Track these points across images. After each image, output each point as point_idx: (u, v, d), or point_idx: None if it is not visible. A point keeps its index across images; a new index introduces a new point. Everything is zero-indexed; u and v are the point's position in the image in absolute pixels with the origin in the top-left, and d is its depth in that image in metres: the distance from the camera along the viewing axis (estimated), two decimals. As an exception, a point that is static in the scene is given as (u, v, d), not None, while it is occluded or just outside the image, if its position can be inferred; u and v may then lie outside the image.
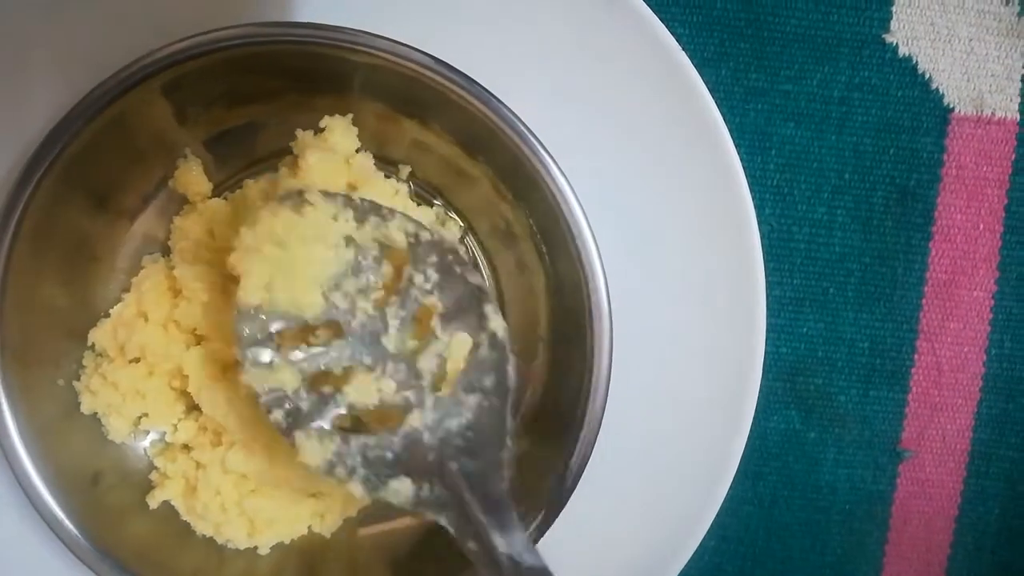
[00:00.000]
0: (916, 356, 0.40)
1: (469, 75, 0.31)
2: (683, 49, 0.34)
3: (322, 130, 0.34)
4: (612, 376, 0.32)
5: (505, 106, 0.31)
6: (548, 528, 0.32)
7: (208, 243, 0.34)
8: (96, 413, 0.34)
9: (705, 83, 0.34)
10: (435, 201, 0.36)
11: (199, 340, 0.34)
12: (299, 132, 0.34)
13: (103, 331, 0.34)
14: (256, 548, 0.35)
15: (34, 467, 0.31)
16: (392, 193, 0.35)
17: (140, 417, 0.35)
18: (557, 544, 0.32)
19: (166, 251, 0.35)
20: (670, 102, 0.34)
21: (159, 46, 0.30)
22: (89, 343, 0.34)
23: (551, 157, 0.31)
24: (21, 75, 0.33)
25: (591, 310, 0.32)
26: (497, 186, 0.34)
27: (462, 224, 0.37)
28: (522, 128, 0.31)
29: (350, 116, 0.34)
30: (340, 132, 0.34)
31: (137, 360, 0.34)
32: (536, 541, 0.32)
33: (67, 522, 0.31)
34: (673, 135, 0.34)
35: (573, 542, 0.33)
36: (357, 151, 0.34)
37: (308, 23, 0.31)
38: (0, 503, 0.34)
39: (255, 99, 0.34)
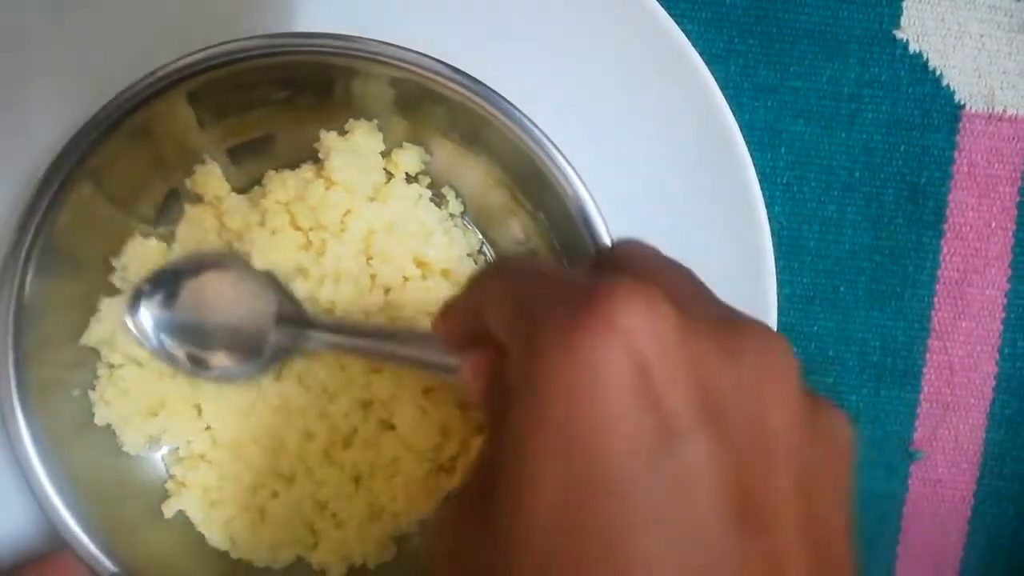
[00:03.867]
0: (928, 355, 0.41)
1: (479, 78, 0.31)
2: (692, 45, 0.34)
3: (346, 132, 0.34)
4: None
5: (520, 111, 0.31)
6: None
7: (220, 231, 0.35)
8: (110, 425, 0.35)
9: (714, 80, 0.34)
10: (452, 212, 0.37)
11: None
12: (323, 133, 0.34)
13: (98, 330, 0.34)
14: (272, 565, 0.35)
15: (49, 478, 0.32)
16: (415, 198, 0.35)
17: (158, 432, 0.35)
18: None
19: None
20: (680, 98, 0.35)
21: (171, 58, 0.31)
22: (81, 343, 0.34)
23: (569, 164, 0.32)
24: (25, 87, 0.34)
25: None
26: (515, 195, 0.35)
27: (481, 237, 0.37)
28: (538, 133, 0.32)
29: (375, 121, 0.35)
30: (364, 134, 0.34)
31: (141, 365, 0.34)
32: None
33: (82, 535, 0.32)
34: (682, 132, 0.35)
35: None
36: (382, 154, 0.35)
37: (337, 34, 0.31)
38: (15, 515, 0.34)
39: (273, 109, 0.34)
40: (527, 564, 0.17)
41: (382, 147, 0.35)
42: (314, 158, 0.35)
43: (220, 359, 0.34)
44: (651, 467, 0.17)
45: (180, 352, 0.34)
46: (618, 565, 0.17)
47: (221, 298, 0.34)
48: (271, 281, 0.34)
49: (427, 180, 0.36)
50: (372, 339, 0.33)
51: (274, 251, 0.34)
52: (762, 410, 0.18)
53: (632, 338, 0.17)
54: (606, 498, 0.17)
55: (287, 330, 0.34)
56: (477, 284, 0.23)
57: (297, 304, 0.34)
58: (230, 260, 0.34)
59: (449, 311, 0.24)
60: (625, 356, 0.17)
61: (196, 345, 0.34)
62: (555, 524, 0.17)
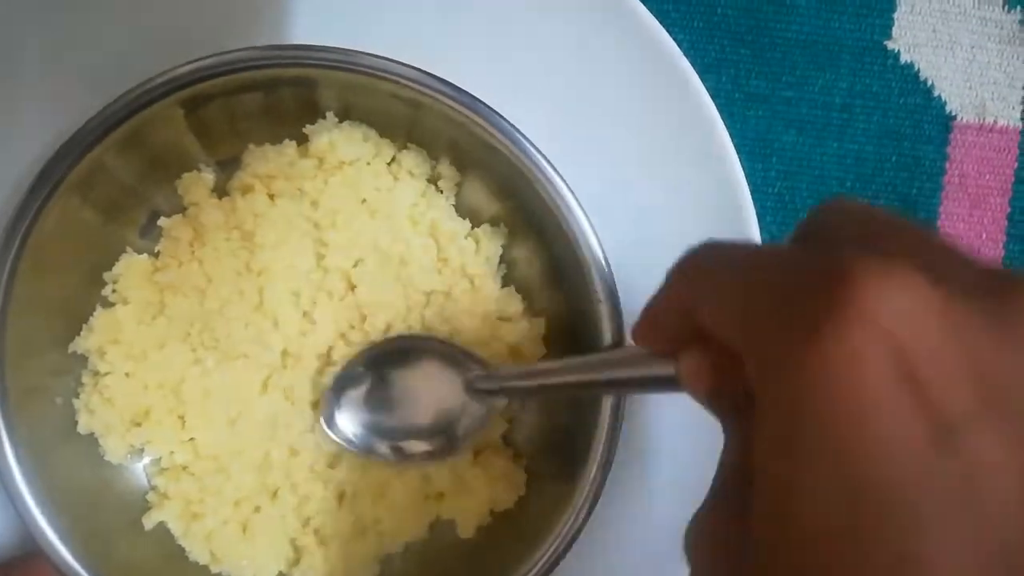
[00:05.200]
0: (920, 367, 0.41)
1: (471, 92, 0.31)
2: (683, 55, 0.35)
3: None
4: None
5: (514, 126, 0.32)
6: (567, 554, 0.33)
7: (199, 241, 0.35)
8: (93, 433, 0.34)
9: (705, 89, 0.35)
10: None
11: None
12: (328, 115, 0.34)
13: (89, 339, 0.34)
14: None
15: (27, 485, 0.31)
16: (410, 204, 0.36)
17: (141, 442, 0.35)
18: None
19: None
20: (671, 108, 0.35)
21: (163, 69, 0.31)
22: (70, 351, 0.34)
23: (563, 180, 0.32)
24: (15, 96, 0.34)
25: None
26: (510, 211, 0.35)
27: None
28: (532, 151, 0.32)
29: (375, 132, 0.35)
30: (360, 138, 0.35)
31: (128, 375, 0.34)
32: (556, 564, 0.32)
33: (59, 543, 0.31)
34: (674, 141, 0.35)
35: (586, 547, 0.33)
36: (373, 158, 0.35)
37: (337, 48, 0.31)
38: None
39: (266, 121, 0.35)
40: (795, 573, 0.17)
41: (377, 152, 0.35)
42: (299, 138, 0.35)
43: (417, 444, 0.34)
44: (929, 470, 0.16)
45: (383, 444, 0.34)
46: (910, 572, 0.16)
47: (410, 386, 0.34)
48: (454, 354, 0.34)
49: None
50: (571, 373, 0.30)
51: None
52: None
53: (888, 326, 0.16)
54: (884, 505, 0.16)
55: (480, 396, 0.33)
56: (680, 281, 0.21)
57: (486, 367, 0.34)
58: (410, 344, 0.34)
59: (651, 316, 0.23)
60: (883, 348, 0.16)
61: (394, 433, 0.34)
62: (827, 532, 0.16)
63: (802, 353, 0.16)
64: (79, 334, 0.34)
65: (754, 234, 0.35)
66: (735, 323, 0.19)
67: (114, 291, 0.35)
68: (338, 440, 0.34)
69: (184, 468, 0.35)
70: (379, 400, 0.34)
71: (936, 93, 0.40)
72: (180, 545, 0.35)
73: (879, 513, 0.16)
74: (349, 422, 0.34)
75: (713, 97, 0.35)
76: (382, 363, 0.34)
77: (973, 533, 0.16)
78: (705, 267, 0.21)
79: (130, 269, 0.35)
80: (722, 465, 0.21)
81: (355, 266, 0.35)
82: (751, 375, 0.18)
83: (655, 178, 0.36)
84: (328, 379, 0.35)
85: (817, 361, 0.16)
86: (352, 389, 0.34)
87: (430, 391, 0.34)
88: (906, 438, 0.16)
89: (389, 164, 0.35)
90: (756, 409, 0.18)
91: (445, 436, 0.34)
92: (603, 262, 0.32)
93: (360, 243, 0.34)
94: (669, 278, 0.22)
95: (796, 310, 0.17)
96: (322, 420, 0.34)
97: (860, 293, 0.16)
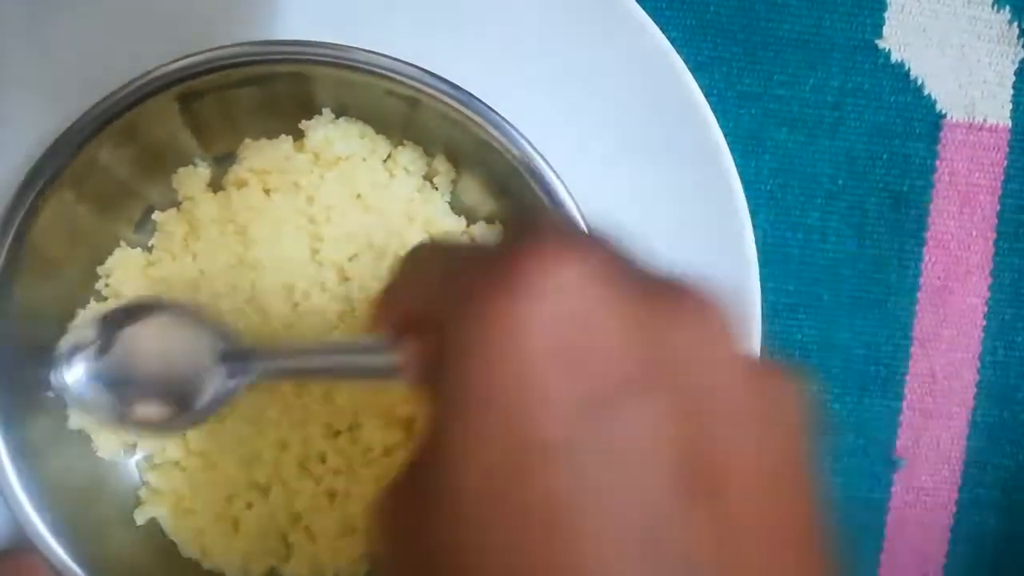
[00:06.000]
0: (910, 363, 0.42)
1: (470, 91, 0.32)
2: (677, 53, 0.35)
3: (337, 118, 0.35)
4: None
5: (511, 125, 0.32)
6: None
7: (193, 235, 0.35)
8: (84, 429, 0.35)
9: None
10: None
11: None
12: (325, 111, 0.35)
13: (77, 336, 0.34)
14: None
15: (19, 480, 0.31)
16: (405, 200, 0.36)
17: (132, 438, 0.35)
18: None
19: None
20: (665, 106, 0.35)
21: (153, 66, 0.31)
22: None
23: (559, 179, 0.32)
24: (3, 93, 0.34)
25: None
26: (507, 211, 0.36)
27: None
28: (529, 148, 0.32)
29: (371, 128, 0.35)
30: (357, 134, 0.35)
31: None
32: None
33: (51, 539, 0.32)
34: (667, 139, 0.36)
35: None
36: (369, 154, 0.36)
37: (330, 43, 0.31)
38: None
39: (259, 117, 0.35)
40: (462, 549, 0.17)
41: (387, 151, 0.35)
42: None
43: (154, 411, 0.32)
44: (581, 437, 0.17)
45: (112, 408, 0.32)
46: (557, 543, 0.16)
47: (151, 348, 0.32)
48: (203, 322, 0.32)
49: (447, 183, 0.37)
50: (303, 357, 0.30)
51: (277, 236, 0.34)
52: (705, 373, 0.18)
53: (555, 300, 0.17)
54: (538, 475, 0.16)
55: (232, 370, 0.31)
56: (406, 263, 0.22)
57: (234, 339, 0.32)
58: (158, 306, 0.32)
59: (383, 296, 0.23)
60: (548, 319, 0.17)
61: (129, 399, 0.31)
62: (484, 510, 0.17)
63: (475, 321, 0.17)
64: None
65: (747, 230, 0.36)
66: (431, 297, 0.20)
67: (107, 285, 0.35)
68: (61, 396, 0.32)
69: (175, 464, 0.35)
70: (112, 362, 0.32)
71: (927, 91, 0.41)
72: (172, 540, 0.35)
73: (533, 486, 0.17)
74: (77, 381, 0.31)
75: (705, 95, 0.35)
76: (117, 324, 0.32)
77: (621, 511, 0.16)
78: (424, 250, 0.22)
79: (124, 263, 0.35)
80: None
81: (350, 261, 0.35)
82: (442, 351, 0.19)
83: (647, 176, 0.36)
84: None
85: (486, 329, 0.17)
86: (85, 348, 0.32)
87: (167, 352, 0.32)
88: (560, 408, 0.17)
89: (385, 160, 0.36)
90: (440, 379, 0.18)
91: (178, 404, 0.32)
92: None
93: (355, 238, 0.35)
94: (393, 271, 0.23)
95: (478, 285, 0.18)
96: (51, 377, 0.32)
97: (533, 268, 0.17)
